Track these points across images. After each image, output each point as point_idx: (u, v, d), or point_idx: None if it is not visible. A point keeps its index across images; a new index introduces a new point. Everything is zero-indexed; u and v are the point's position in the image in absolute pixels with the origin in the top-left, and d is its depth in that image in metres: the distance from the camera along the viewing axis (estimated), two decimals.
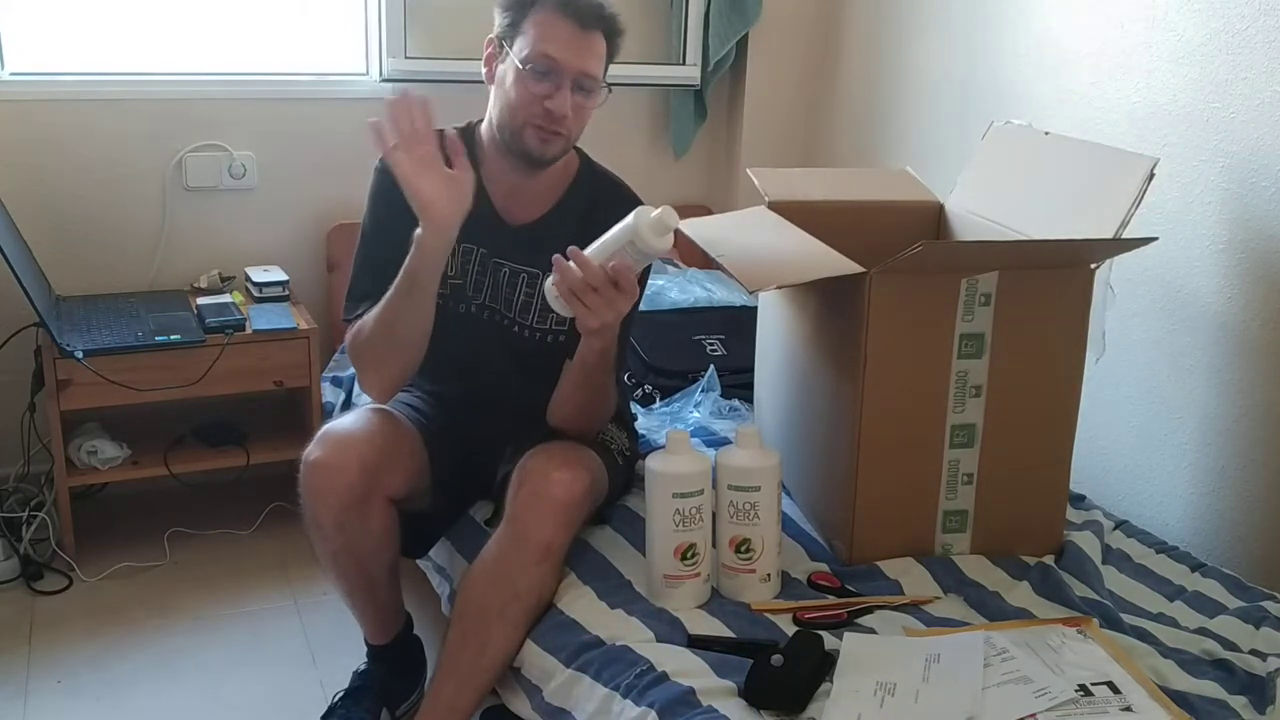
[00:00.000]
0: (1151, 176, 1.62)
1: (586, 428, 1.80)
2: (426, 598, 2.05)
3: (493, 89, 1.77)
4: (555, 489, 1.61)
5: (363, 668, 1.93)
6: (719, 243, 1.78)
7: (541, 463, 1.66)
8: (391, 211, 1.71)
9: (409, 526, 1.81)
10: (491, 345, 1.83)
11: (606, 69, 1.74)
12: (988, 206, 1.96)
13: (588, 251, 1.53)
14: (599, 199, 1.80)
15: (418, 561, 2.03)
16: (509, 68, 1.70)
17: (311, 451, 1.68)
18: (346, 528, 1.69)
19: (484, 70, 1.78)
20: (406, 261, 1.62)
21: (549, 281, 1.56)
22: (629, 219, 1.51)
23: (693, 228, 1.88)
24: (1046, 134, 1.95)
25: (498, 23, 1.74)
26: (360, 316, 1.75)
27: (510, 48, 1.70)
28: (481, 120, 1.83)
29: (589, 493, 1.66)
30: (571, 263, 1.51)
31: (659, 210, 1.50)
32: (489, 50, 1.76)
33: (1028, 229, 1.80)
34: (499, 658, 1.61)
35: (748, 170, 2.09)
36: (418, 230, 1.60)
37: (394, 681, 1.91)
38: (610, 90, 1.75)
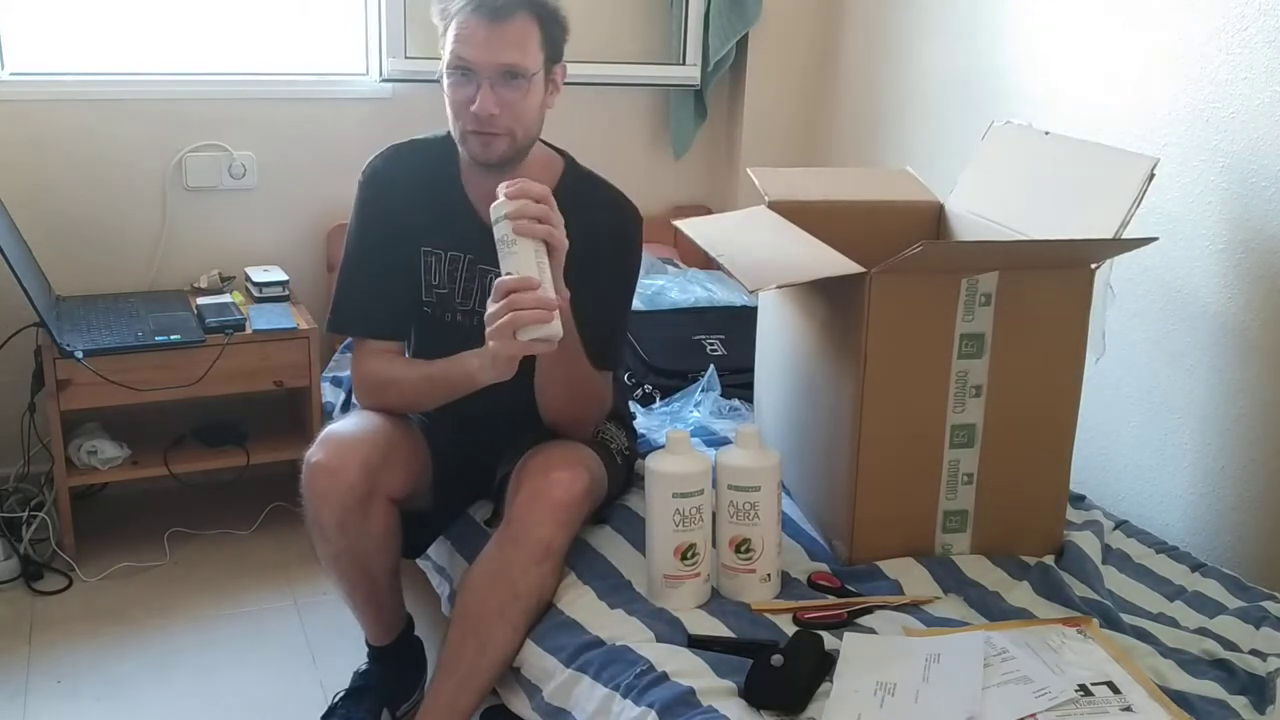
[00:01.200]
0: (1152, 176, 1.62)
1: (581, 422, 1.79)
2: (427, 598, 2.05)
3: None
4: (555, 489, 1.61)
5: (363, 668, 1.93)
6: (719, 243, 1.78)
7: (541, 463, 1.66)
8: (377, 221, 1.73)
9: (406, 526, 1.81)
10: None
11: (550, 50, 1.67)
12: (988, 206, 1.96)
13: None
14: (581, 200, 1.73)
15: (417, 562, 2.03)
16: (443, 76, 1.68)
17: (313, 453, 1.69)
18: (348, 529, 1.69)
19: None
20: (461, 370, 1.64)
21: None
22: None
23: (692, 228, 1.88)
24: (1047, 134, 1.95)
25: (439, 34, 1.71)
26: (357, 334, 1.78)
27: (443, 52, 1.68)
28: None
29: (588, 492, 1.66)
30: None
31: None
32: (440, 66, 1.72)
33: (1028, 229, 1.80)
34: (499, 658, 1.61)
35: (748, 170, 2.09)
36: (484, 362, 1.58)
37: (395, 682, 1.91)
38: (558, 67, 1.70)
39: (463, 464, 1.85)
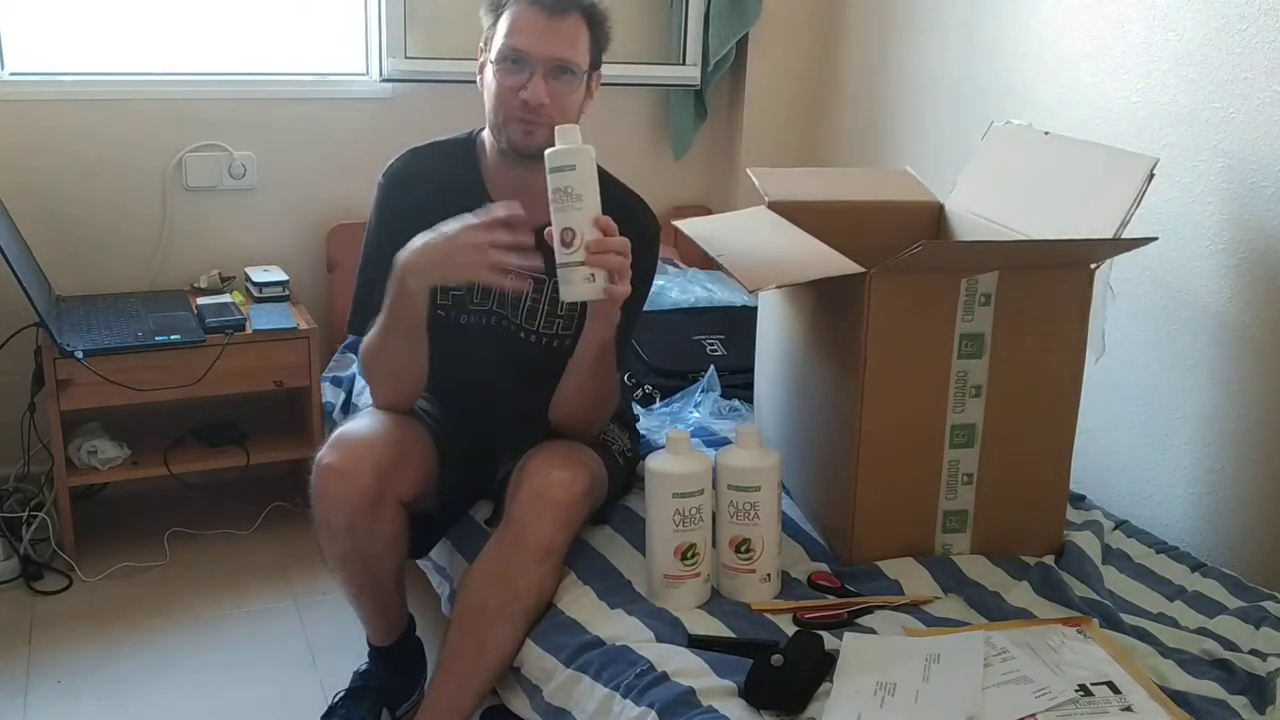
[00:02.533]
0: (1152, 176, 1.62)
1: (589, 425, 1.80)
2: (427, 598, 2.05)
3: (482, 87, 1.77)
4: (555, 489, 1.61)
5: (363, 668, 1.93)
6: (719, 242, 1.78)
7: (541, 463, 1.66)
8: (397, 221, 1.72)
9: (411, 528, 1.81)
10: (492, 353, 1.82)
11: (594, 54, 1.73)
12: (988, 206, 1.96)
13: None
14: (605, 204, 1.71)
15: (417, 561, 2.02)
16: (488, 65, 1.72)
17: (324, 455, 1.68)
18: (356, 530, 1.69)
19: (477, 76, 1.78)
20: (390, 303, 1.64)
21: (571, 267, 1.53)
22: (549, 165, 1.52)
23: (692, 227, 1.88)
24: (1046, 134, 1.95)
25: (483, 27, 1.75)
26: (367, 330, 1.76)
27: (490, 47, 1.72)
28: (483, 128, 1.83)
29: (589, 493, 1.66)
30: (595, 236, 1.51)
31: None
32: (480, 58, 1.76)
33: (1028, 229, 1.80)
34: (499, 658, 1.61)
35: (748, 170, 2.09)
36: (405, 275, 1.60)
37: (395, 682, 1.91)
38: (597, 73, 1.75)
39: (467, 465, 1.85)
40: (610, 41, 1.77)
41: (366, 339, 1.74)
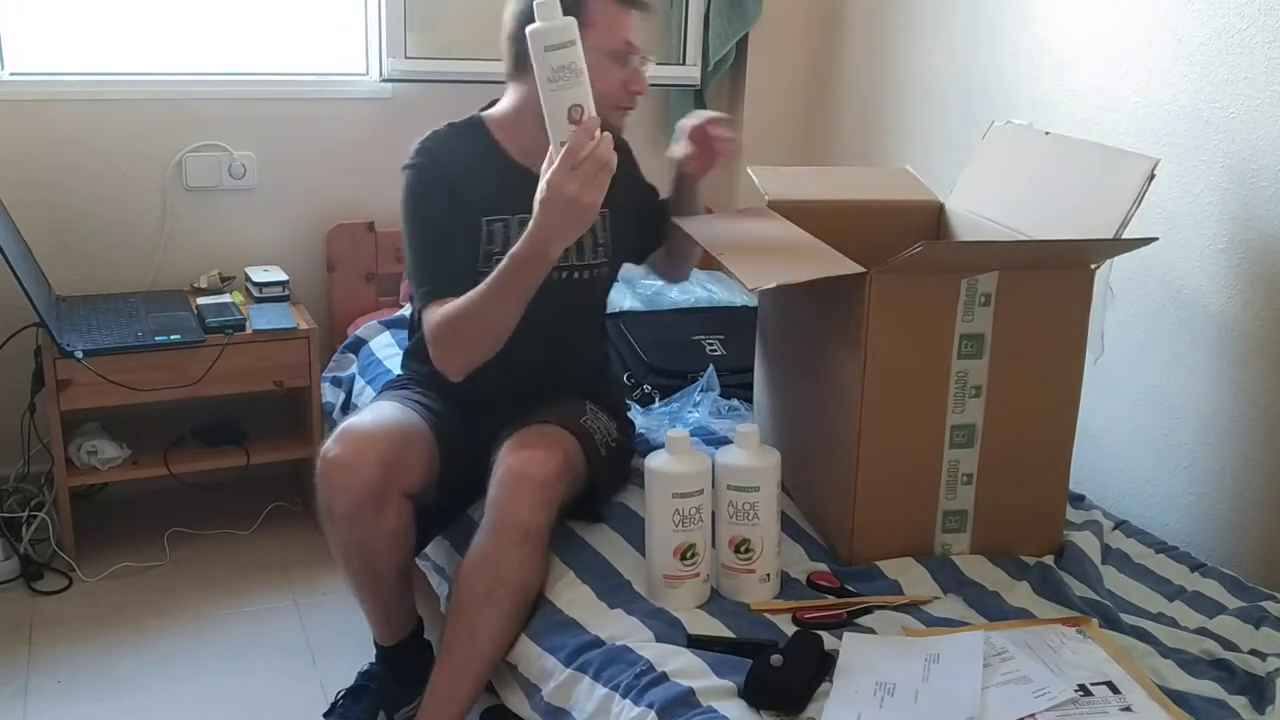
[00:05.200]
0: (1152, 177, 1.62)
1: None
2: (432, 598, 2.04)
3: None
4: (528, 466, 1.64)
5: (367, 667, 1.93)
6: (719, 241, 1.78)
7: (514, 446, 1.69)
8: (442, 195, 1.78)
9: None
10: (537, 301, 1.78)
11: None
12: (988, 206, 1.96)
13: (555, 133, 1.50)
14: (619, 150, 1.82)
15: (417, 561, 2.02)
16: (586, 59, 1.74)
17: (330, 448, 1.69)
18: (359, 522, 1.69)
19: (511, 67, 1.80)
20: (516, 261, 1.61)
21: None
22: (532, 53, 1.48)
23: (692, 226, 1.88)
24: (1047, 134, 1.95)
25: (542, 17, 1.75)
26: (428, 298, 1.75)
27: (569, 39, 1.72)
28: (487, 108, 1.90)
29: (562, 471, 1.67)
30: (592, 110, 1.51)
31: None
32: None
33: (1028, 229, 1.80)
34: (489, 645, 1.62)
35: (748, 169, 2.09)
36: (547, 245, 1.58)
37: (397, 684, 1.90)
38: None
39: (465, 460, 1.85)
40: None
41: (456, 310, 1.70)
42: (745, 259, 1.71)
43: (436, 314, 1.74)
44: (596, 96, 1.66)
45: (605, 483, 1.84)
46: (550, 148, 1.51)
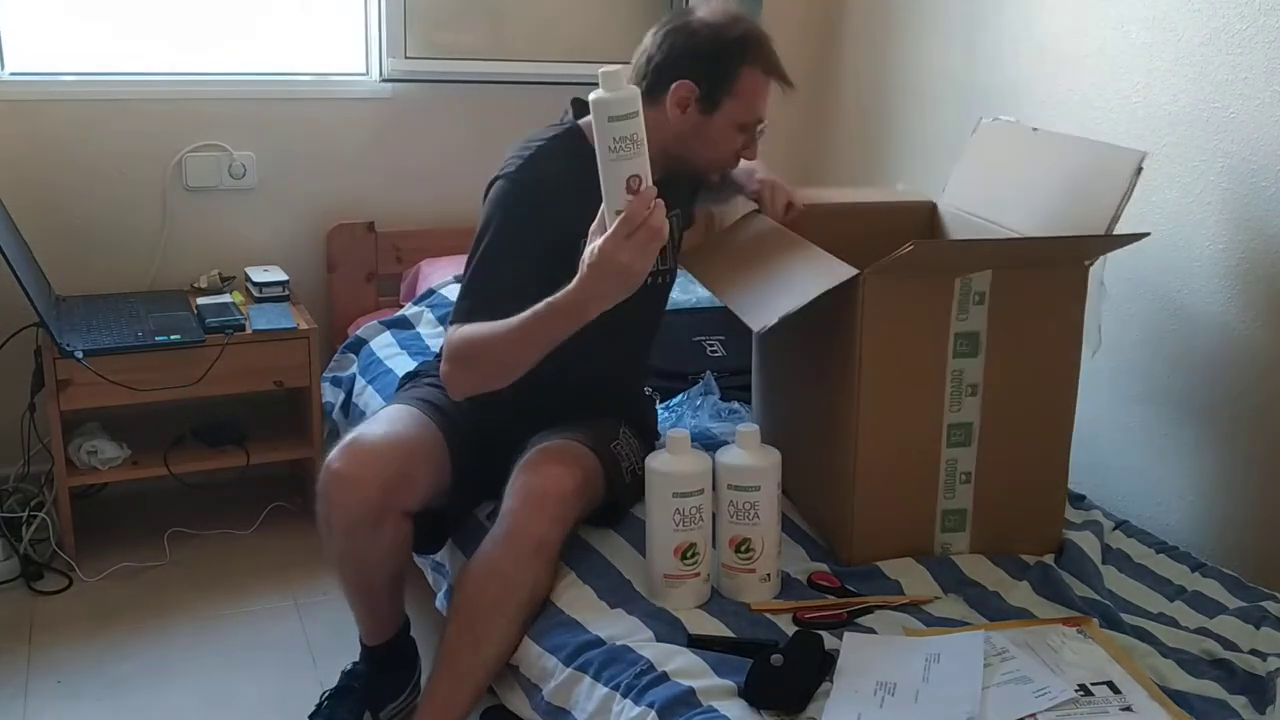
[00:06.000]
0: (1140, 170, 1.62)
1: None
2: (425, 595, 2.04)
3: (682, 128, 1.78)
4: (546, 482, 1.63)
5: (350, 667, 1.93)
6: (719, 281, 1.80)
7: (535, 458, 1.67)
8: (535, 223, 1.72)
9: (425, 524, 1.81)
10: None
11: None
12: (979, 205, 1.96)
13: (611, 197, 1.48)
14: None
15: (415, 558, 2.02)
16: (715, 124, 1.78)
17: (334, 459, 1.68)
18: (356, 537, 1.69)
19: (675, 111, 1.77)
20: (553, 311, 1.57)
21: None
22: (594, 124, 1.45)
23: (693, 262, 1.91)
24: (1035, 130, 1.95)
25: (689, 67, 1.75)
26: (466, 318, 1.71)
27: (715, 103, 1.76)
28: (581, 116, 1.82)
29: (581, 489, 1.67)
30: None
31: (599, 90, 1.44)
32: (682, 92, 1.75)
33: (1020, 226, 1.80)
34: (494, 654, 1.61)
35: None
36: (587, 307, 1.55)
37: (381, 683, 1.90)
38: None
39: (481, 465, 1.84)
40: None
41: (482, 336, 1.66)
42: (745, 294, 1.71)
43: (463, 331, 1.70)
44: (709, 160, 1.79)
45: (626, 505, 1.82)
46: (602, 211, 1.48)
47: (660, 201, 1.47)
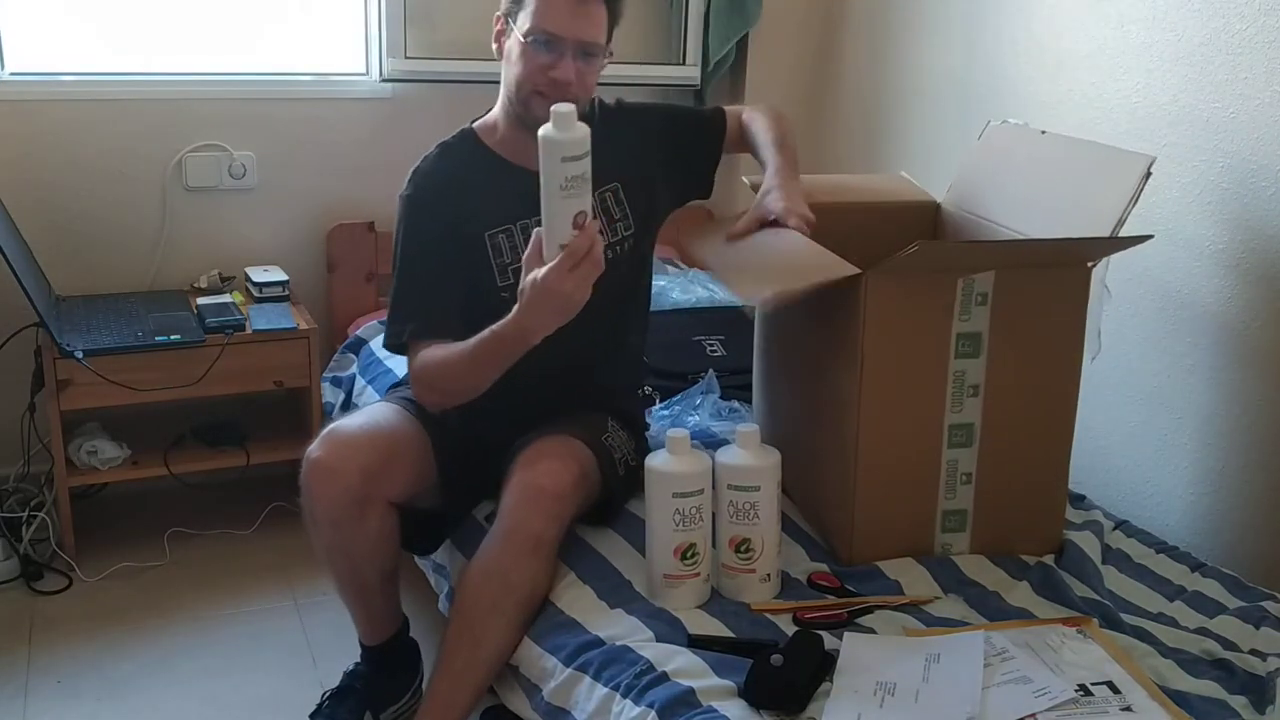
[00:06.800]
0: (1148, 175, 1.62)
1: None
2: (427, 598, 2.04)
3: (502, 64, 1.81)
4: (542, 479, 1.63)
5: (352, 667, 1.93)
6: (712, 253, 1.79)
7: (530, 455, 1.68)
8: (434, 225, 1.77)
9: (418, 524, 1.81)
10: None
11: (610, 34, 1.79)
12: (984, 206, 1.96)
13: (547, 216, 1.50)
14: (610, 121, 1.88)
15: (417, 560, 2.02)
16: (514, 42, 1.76)
17: (314, 449, 1.69)
18: (342, 527, 1.69)
19: (494, 46, 1.82)
20: (496, 339, 1.62)
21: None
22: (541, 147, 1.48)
23: (689, 235, 1.89)
24: (1043, 133, 1.95)
25: (504, 4, 1.79)
26: (410, 336, 1.76)
27: (514, 23, 1.76)
28: (478, 118, 1.88)
29: (577, 484, 1.67)
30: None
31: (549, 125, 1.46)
32: (498, 26, 1.80)
33: (1024, 228, 1.80)
34: (494, 653, 1.61)
35: (743, 178, 2.10)
36: (530, 334, 1.59)
37: (382, 684, 1.90)
38: (612, 53, 1.81)
39: (469, 462, 1.85)
40: (621, 20, 1.82)
41: (438, 362, 1.72)
42: (738, 267, 1.71)
43: (421, 357, 1.75)
44: (518, 81, 1.74)
45: (620, 499, 1.83)
46: (536, 238, 1.51)
47: (599, 236, 1.51)
